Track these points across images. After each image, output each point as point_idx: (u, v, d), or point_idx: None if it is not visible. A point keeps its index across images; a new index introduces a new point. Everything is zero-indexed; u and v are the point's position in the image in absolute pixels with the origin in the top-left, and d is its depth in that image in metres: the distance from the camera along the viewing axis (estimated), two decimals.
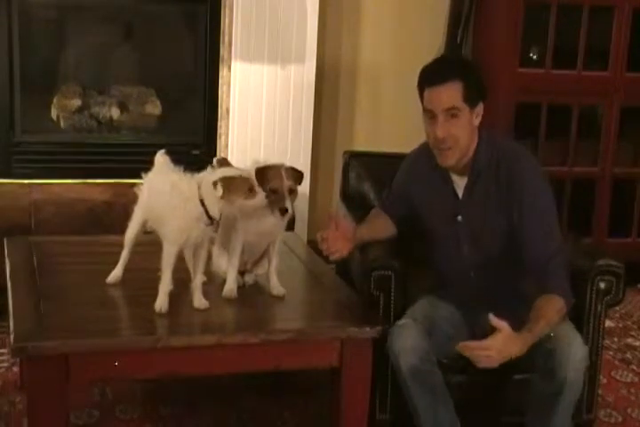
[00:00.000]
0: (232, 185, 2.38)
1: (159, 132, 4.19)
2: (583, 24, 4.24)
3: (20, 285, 2.60)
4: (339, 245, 2.60)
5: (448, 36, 4.34)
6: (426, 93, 2.48)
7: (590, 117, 4.47)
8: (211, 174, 2.44)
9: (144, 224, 2.60)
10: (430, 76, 2.49)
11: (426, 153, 2.62)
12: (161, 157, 2.60)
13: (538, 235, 2.47)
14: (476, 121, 2.50)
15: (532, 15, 4.20)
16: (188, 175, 2.50)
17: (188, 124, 4.19)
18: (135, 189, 2.62)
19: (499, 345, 2.29)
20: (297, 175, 2.55)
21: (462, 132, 2.47)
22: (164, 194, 2.47)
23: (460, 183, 2.58)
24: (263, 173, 2.49)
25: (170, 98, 4.20)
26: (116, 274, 2.64)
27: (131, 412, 2.93)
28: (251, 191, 2.40)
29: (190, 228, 2.43)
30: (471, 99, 2.45)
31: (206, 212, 2.41)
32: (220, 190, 2.35)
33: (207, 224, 2.43)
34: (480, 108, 2.50)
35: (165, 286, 2.44)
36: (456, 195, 2.59)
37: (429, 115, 2.48)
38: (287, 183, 2.49)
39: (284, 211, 2.47)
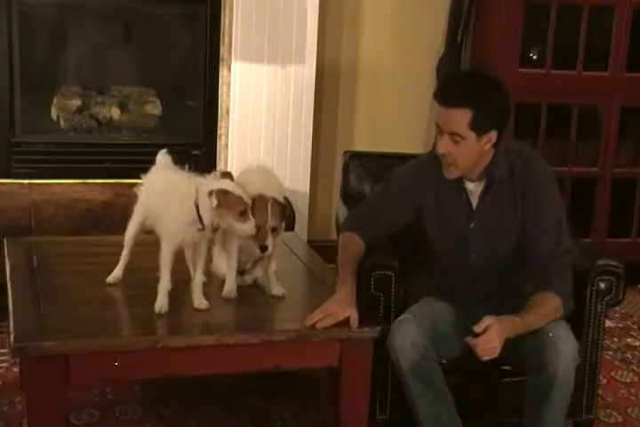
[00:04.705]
0: (227, 200, 2.34)
1: (159, 132, 4.19)
2: (583, 24, 4.24)
3: (20, 285, 2.60)
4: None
5: (448, 36, 4.35)
6: (437, 108, 2.46)
7: (590, 117, 4.47)
8: (210, 182, 2.39)
9: (143, 224, 2.59)
10: (443, 96, 2.45)
11: (437, 161, 2.58)
12: (162, 157, 2.60)
13: (549, 235, 2.50)
14: (487, 146, 2.46)
15: (532, 15, 4.20)
16: (188, 175, 2.49)
17: (188, 125, 4.18)
18: (135, 189, 2.62)
19: (497, 335, 2.33)
20: (282, 210, 2.50)
21: (462, 155, 2.45)
22: (162, 193, 2.46)
23: (473, 190, 2.58)
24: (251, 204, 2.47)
25: (170, 98, 4.20)
26: (115, 274, 2.63)
27: (131, 412, 2.93)
28: (242, 215, 2.36)
29: (185, 229, 2.42)
30: (479, 127, 2.41)
31: (200, 217, 2.38)
32: (214, 201, 2.32)
33: (199, 230, 2.41)
34: (492, 135, 2.45)
35: (164, 285, 2.43)
36: (470, 202, 2.59)
37: (438, 128, 2.48)
38: (271, 223, 2.47)
39: (263, 248, 2.48)
